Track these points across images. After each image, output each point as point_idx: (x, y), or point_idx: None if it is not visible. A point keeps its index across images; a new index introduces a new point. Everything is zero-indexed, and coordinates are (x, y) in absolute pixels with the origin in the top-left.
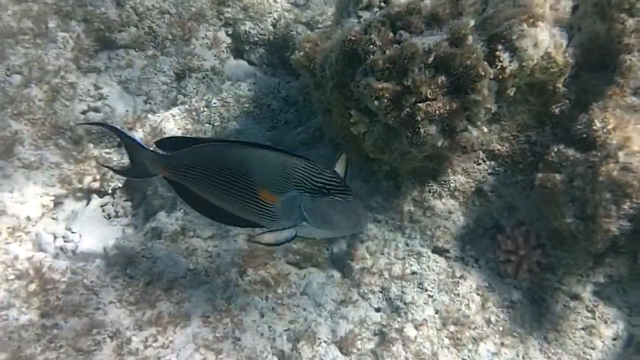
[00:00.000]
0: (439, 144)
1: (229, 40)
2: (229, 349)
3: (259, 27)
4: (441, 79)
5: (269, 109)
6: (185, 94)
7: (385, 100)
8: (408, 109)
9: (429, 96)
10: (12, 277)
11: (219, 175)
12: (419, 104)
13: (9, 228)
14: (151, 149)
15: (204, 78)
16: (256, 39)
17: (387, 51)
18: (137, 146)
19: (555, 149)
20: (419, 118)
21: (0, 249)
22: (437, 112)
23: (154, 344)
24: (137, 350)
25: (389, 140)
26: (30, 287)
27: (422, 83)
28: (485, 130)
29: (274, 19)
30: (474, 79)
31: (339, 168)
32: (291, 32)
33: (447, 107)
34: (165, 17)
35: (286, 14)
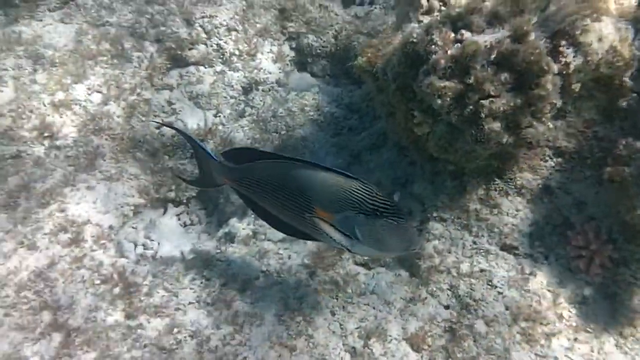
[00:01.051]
0: (504, 140)
1: (292, 53)
2: (302, 346)
3: (321, 39)
4: (504, 75)
5: (333, 117)
6: (252, 106)
7: (448, 99)
8: (471, 107)
9: (492, 93)
10: (97, 281)
11: (278, 192)
12: (482, 101)
13: (93, 236)
14: (219, 160)
15: (269, 90)
16: (318, 51)
17: (449, 51)
18: (207, 156)
19: (624, 142)
20: (482, 115)
21: (86, 256)
22: (501, 108)
23: (231, 342)
24: (216, 348)
25: (452, 140)
26: (114, 290)
27: (484, 80)
28: (551, 125)
29: (336, 31)
30: (538, 74)
31: None
32: (353, 43)
33: (511, 104)
34: (232, 34)
35: (347, 26)
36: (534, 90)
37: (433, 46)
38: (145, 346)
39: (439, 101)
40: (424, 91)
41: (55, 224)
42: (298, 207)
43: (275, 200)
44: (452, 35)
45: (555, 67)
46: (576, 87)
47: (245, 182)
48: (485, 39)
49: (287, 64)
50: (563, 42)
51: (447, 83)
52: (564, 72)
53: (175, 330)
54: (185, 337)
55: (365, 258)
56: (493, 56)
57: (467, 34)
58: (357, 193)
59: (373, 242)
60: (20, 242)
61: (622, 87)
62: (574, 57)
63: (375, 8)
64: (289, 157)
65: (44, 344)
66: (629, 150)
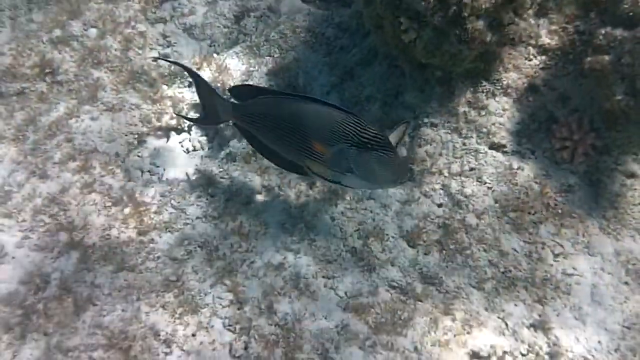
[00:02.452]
0: (488, 39)
1: None
2: (306, 249)
3: None
4: None
5: (324, 37)
6: (245, 33)
7: (432, 0)
8: (454, 7)
9: None
10: (109, 204)
11: (280, 126)
12: (464, 0)
13: (101, 163)
14: (224, 97)
15: (261, 17)
16: None
17: None
18: (214, 93)
19: (603, 32)
20: (465, 14)
21: (95, 181)
22: (483, 6)
23: (239, 250)
24: (224, 255)
25: (439, 43)
26: (125, 210)
27: None
28: (532, 22)
29: None
30: None
31: (397, 133)
32: None
33: (493, 1)
34: None
35: None
36: None
37: None
38: (158, 258)
39: (423, 3)
40: None
41: (63, 154)
42: (296, 141)
43: (276, 135)
44: None
45: None
46: None
47: (248, 118)
48: None
49: None
50: None
51: None
52: None
53: (186, 242)
54: (195, 247)
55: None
56: None
57: None
58: (351, 127)
59: (365, 174)
60: (31, 172)
61: None
62: None
63: None
64: (288, 92)
65: (62, 261)
66: (607, 39)
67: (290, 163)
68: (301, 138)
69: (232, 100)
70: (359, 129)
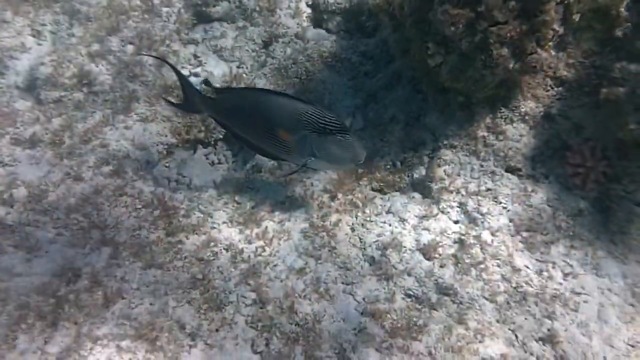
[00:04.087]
0: (511, 66)
1: (309, 10)
2: (326, 256)
3: None
4: (512, 3)
5: (349, 62)
6: (273, 56)
7: (461, 26)
8: (481, 34)
9: (500, 20)
10: (139, 206)
11: (249, 117)
12: (491, 28)
13: (133, 169)
14: (199, 91)
15: (289, 42)
16: (334, 7)
17: None
18: (191, 87)
19: (619, 66)
20: (491, 41)
21: (127, 184)
22: (509, 34)
23: (262, 253)
24: (249, 258)
25: (463, 68)
26: (155, 213)
27: (494, 7)
28: (553, 53)
29: None
30: (542, 1)
31: None
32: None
33: (518, 30)
34: None
35: None
36: (538, 17)
37: None
38: (185, 257)
39: (452, 28)
40: (439, 19)
41: (98, 158)
42: (265, 130)
43: (247, 125)
44: None
45: None
46: (576, 17)
47: (222, 111)
48: None
49: (304, 20)
50: None
51: (460, 11)
52: (565, 2)
53: (212, 244)
54: (220, 249)
55: (381, 184)
56: None
57: None
58: (310, 115)
59: (325, 156)
60: (66, 173)
61: (618, 17)
62: None
63: None
64: (254, 87)
65: (94, 257)
66: (623, 72)
67: (264, 150)
68: (268, 128)
69: (209, 95)
70: (319, 116)
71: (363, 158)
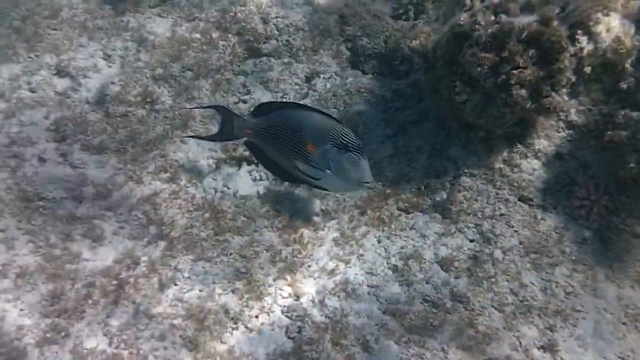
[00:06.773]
0: (527, 105)
1: (347, 53)
2: (355, 261)
3: (373, 42)
4: (532, 51)
5: (383, 98)
6: (315, 89)
7: (486, 67)
8: (503, 76)
9: (521, 65)
10: (191, 208)
11: (281, 132)
12: (513, 71)
13: (187, 177)
14: (240, 115)
15: (329, 78)
16: (370, 52)
17: (489, 29)
18: (233, 114)
19: (622, 113)
20: (512, 82)
21: (181, 190)
22: (528, 77)
23: (298, 255)
24: (286, 258)
25: (486, 106)
26: (205, 215)
27: (516, 53)
28: (565, 98)
29: (386, 36)
30: (558, 51)
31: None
32: (400, 46)
33: (536, 74)
34: (300, 32)
35: (396, 32)
36: (554, 65)
37: (477, 25)
38: (230, 254)
39: (479, 69)
40: (467, 60)
41: (157, 166)
42: (292, 143)
43: (278, 140)
44: (493, 17)
45: (571, 49)
46: (587, 69)
47: (259, 132)
48: (519, 21)
49: (343, 61)
50: (579, 31)
51: (486, 54)
52: (579, 55)
53: (254, 244)
54: (262, 249)
55: (406, 205)
56: (524, 35)
57: (504, 17)
58: (336, 131)
59: (337, 171)
60: (129, 177)
61: (624, 71)
62: (587, 43)
63: (420, 22)
64: (292, 102)
65: (151, 248)
66: (626, 118)
67: (285, 172)
68: (297, 140)
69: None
70: (342, 133)
71: (370, 181)
